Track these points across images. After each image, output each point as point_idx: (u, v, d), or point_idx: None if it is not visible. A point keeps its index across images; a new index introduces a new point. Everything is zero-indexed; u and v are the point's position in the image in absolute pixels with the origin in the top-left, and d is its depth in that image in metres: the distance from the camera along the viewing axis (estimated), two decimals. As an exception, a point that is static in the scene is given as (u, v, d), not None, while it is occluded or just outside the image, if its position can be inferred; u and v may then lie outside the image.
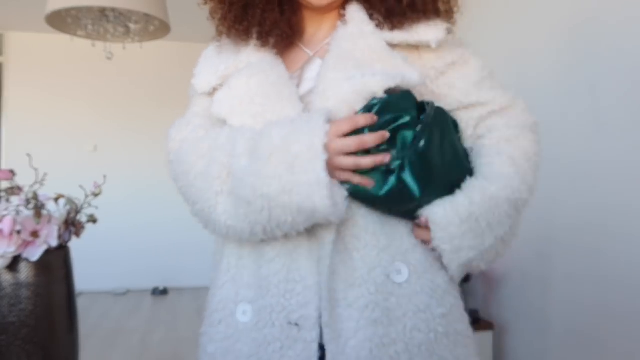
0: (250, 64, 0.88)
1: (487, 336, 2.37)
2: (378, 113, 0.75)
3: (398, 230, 0.81)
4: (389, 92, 0.77)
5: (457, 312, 0.83)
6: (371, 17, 0.87)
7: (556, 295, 2.04)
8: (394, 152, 0.76)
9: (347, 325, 0.76)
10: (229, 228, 0.80)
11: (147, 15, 2.43)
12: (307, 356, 0.77)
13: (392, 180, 0.75)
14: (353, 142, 0.75)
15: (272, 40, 0.89)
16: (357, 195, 0.76)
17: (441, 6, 0.89)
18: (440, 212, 0.78)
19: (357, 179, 0.76)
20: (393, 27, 0.85)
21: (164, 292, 4.67)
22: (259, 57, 0.89)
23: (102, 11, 2.44)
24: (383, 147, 0.75)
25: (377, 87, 0.76)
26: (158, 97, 4.85)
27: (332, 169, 0.74)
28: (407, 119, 0.77)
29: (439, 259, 0.82)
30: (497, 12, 2.49)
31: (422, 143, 0.75)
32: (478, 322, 2.39)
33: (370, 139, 0.75)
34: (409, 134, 0.76)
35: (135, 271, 4.72)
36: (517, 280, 2.28)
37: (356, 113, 0.77)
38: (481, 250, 0.81)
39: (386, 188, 0.75)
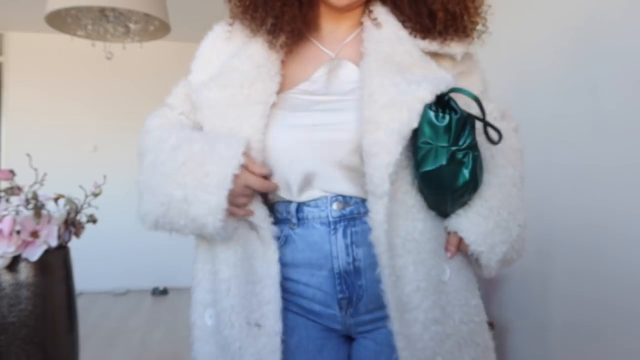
0: (248, 73, 0.88)
1: (487, 336, 2.37)
2: (455, 126, 0.81)
3: (440, 232, 0.87)
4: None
5: (481, 302, 0.92)
6: (403, 23, 0.89)
7: (557, 294, 2.04)
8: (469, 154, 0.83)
9: (415, 329, 0.81)
10: (139, 208, 0.86)
11: (147, 15, 2.43)
12: (271, 349, 0.82)
13: (468, 165, 0.82)
14: (257, 182, 0.82)
15: (282, 37, 0.89)
16: (440, 179, 0.82)
17: (469, 30, 0.93)
18: (466, 222, 0.85)
19: (241, 213, 0.83)
20: (425, 36, 0.89)
21: (164, 292, 4.66)
22: (261, 60, 0.89)
23: (102, 11, 2.44)
24: (465, 142, 0.82)
25: (423, 94, 0.80)
26: (158, 97, 4.82)
27: (231, 196, 0.80)
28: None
29: (466, 255, 0.88)
30: (497, 11, 2.49)
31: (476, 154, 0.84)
32: (478, 322, 2.39)
33: (265, 186, 0.84)
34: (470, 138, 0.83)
35: (135, 271, 4.72)
36: (518, 279, 2.28)
37: (425, 110, 0.80)
38: (510, 240, 0.89)
39: (465, 173, 0.82)
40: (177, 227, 0.83)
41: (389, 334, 0.82)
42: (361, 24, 0.93)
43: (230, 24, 0.94)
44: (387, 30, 0.89)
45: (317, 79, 0.89)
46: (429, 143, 0.81)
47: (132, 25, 2.54)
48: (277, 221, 0.89)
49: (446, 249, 0.87)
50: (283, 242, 0.88)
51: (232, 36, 0.94)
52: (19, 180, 1.45)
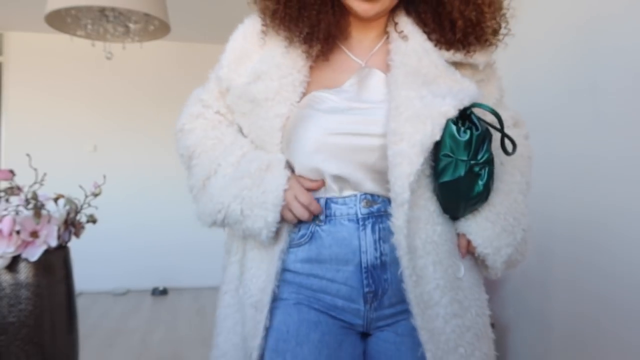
0: (273, 85, 0.93)
1: (487, 336, 2.37)
2: (475, 142, 0.88)
3: (454, 234, 0.94)
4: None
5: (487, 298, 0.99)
6: (428, 35, 0.94)
7: (556, 294, 2.04)
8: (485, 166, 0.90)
9: (437, 323, 0.88)
10: (197, 209, 0.98)
11: (146, 15, 2.43)
12: (254, 335, 0.91)
13: (484, 177, 0.89)
14: (306, 198, 0.90)
15: (318, 46, 0.93)
16: (457, 189, 0.89)
17: (490, 36, 0.95)
18: (475, 226, 0.93)
19: (289, 219, 0.91)
20: (449, 47, 0.93)
21: (164, 292, 4.66)
22: (288, 69, 0.93)
23: (102, 11, 2.44)
24: (484, 156, 0.89)
25: (447, 109, 0.86)
26: (158, 97, 4.85)
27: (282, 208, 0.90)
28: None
29: (474, 256, 0.95)
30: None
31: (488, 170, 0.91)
32: (478, 322, 2.39)
33: (310, 209, 0.90)
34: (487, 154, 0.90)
35: (135, 271, 4.71)
36: (518, 279, 2.28)
37: (448, 124, 0.87)
38: (515, 244, 0.95)
39: (480, 185, 0.89)
40: (232, 228, 0.95)
41: (409, 326, 0.88)
42: (387, 33, 0.98)
43: (264, 30, 0.96)
44: (413, 43, 0.93)
45: (349, 87, 0.93)
46: (449, 156, 0.87)
47: (132, 25, 2.54)
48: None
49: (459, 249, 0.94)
50: (309, 238, 0.92)
51: (266, 43, 0.96)
52: (18, 180, 1.45)
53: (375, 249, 0.90)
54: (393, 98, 0.88)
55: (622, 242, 1.72)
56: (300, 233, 0.92)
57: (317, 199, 0.91)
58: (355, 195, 0.91)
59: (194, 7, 3.96)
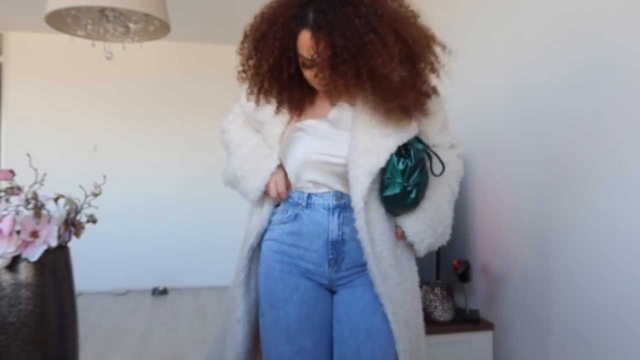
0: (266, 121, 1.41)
1: (487, 336, 2.37)
2: (408, 170, 1.29)
3: (394, 226, 1.36)
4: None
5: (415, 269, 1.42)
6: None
7: (556, 295, 2.04)
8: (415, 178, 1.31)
9: (391, 290, 1.30)
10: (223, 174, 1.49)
11: (146, 15, 2.43)
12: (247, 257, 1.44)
13: (414, 193, 1.30)
14: (278, 184, 1.36)
15: (294, 110, 1.38)
16: (394, 200, 1.30)
17: (425, 92, 1.31)
18: (408, 222, 1.34)
19: (272, 195, 1.37)
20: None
21: (164, 292, 4.66)
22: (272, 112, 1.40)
23: (102, 11, 2.44)
24: (415, 177, 1.30)
25: (389, 146, 1.27)
26: (158, 97, 4.85)
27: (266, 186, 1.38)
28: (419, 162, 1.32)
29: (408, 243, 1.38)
30: (497, 11, 2.49)
31: (421, 180, 1.32)
32: (478, 322, 2.39)
33: (279, 192, 1.36)
34: (416, 173, 1.30)
35: (135, 271, 4.72)
36: (517, 280, 2.28)
37: (391, 156, 1.28)
38: (435, 236, 1.37)
39: (411, 198, 1.30)
40: (237, 188, 1.44)
41: (360, 281, 1.31)
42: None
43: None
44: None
45: (331, 117, 1.34)
46: (390, 179, 1.28)
47: (132, 25, 2.54)
48: (290, 204, 1.35)
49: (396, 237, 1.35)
50: (293, 217, 1.33)
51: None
52: (18, 180, 1.45)
53: (339, 229, 1.30)
54: (354, 137, 1.29)
55: (622, 242, 1.72)
56: (288, 214, 1.34)
57: (302, 193, 1.34)
58: (329, 192, 1.32)
59: (194, 7, 3.96)
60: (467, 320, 2.38)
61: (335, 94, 1.30)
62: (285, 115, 1.37)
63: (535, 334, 2.15)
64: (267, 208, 1.37)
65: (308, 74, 1.29)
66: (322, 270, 1.31)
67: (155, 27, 2.56)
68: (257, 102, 1.37)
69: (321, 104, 1.37)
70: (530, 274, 2.19)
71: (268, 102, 1.36)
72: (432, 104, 1.33)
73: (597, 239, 1.83)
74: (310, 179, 1.32)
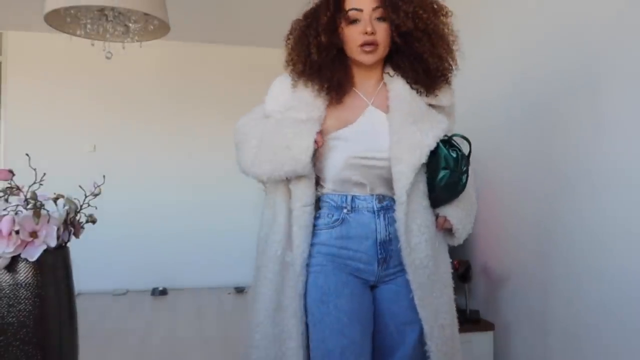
0: (299, 122, 1.37)
1: (487, 336, 2.37)
2: (460, 158, 1.37)
3: (434, 219, 1.41)
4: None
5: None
6: (411, 86, 1.38)
7: (556, 295, 2.04)
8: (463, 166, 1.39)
9: (423, 279, 1.37)
10: (252, 163, 1.39)
11: (146, 15, 2.43)
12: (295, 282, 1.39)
13: (464, 179, 1.38)
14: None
15: (334, 95, 1.36)
16: (453, 187, 1.38)
17: (449, 75, 1.40)
18: (451, 210, 1.41)
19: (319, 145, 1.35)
20: (426, 93, 1.39)
21: (164, 292, 4.66)
22: (308, 113, 1.37)
23: (101, 10, 2.44)
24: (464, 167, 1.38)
25: (429, 142, 1.34)
26: (157, 97, 4.84)
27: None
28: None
29: (446, 231, 1.45)
30: (497, 11, 2.49)
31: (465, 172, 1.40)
32: (479, 322, 2.39)
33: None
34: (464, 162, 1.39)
35: (135, 272, 4.71)
36: (518, 280, 2.28)
37: (439, 146, 1.36)
38: (472, 222, 1.47)
39: (462, 184, 1.38)
40: (279, 170, 1.34)
41: (405, 280, 1.35)
42: (382, 78, 1.41)
43: (293, 83, 1.39)
44: (402, 91, 1.38)
45: (361, 122, 1.37)
46: (446, 168, 1.35)
47: (131, 25, 2.54)
48: (333, 207, 1.38)
49: (436, 227, 1.41)
50: (340, 222, 1.37)
51: (296, 91, 1.38)
52: (18, 180, 1.44)
53: (385, 230, 1.36)
54: (394, 133, 1.34)
55: (622, 242, 1.72)
56: (334, 218, 1.37)
57: (346, 196, 1.37)
58: (372, 195, 1.37)
59: (194, 7, 3.95)
60: (468, 321, 2.38)
61: (373, 53, 1.34)
62: (314, 124, 1.34)
63: (535, 334, 2.15)
64: (307, 218, 1.36)
65: (353, 29, 1.33)
66: (372, 269, 1.37)
67: (155, 26, 2.56)
68: (302, 75, 1.37)
69: (351, 103, 1.39)
70: (530, 274, 2.19)
71: (310, 82, 1.36)
72: (451, 104, 1.45)
73: (597, 239, 1.83)
74: (354, 181, 1.36)
